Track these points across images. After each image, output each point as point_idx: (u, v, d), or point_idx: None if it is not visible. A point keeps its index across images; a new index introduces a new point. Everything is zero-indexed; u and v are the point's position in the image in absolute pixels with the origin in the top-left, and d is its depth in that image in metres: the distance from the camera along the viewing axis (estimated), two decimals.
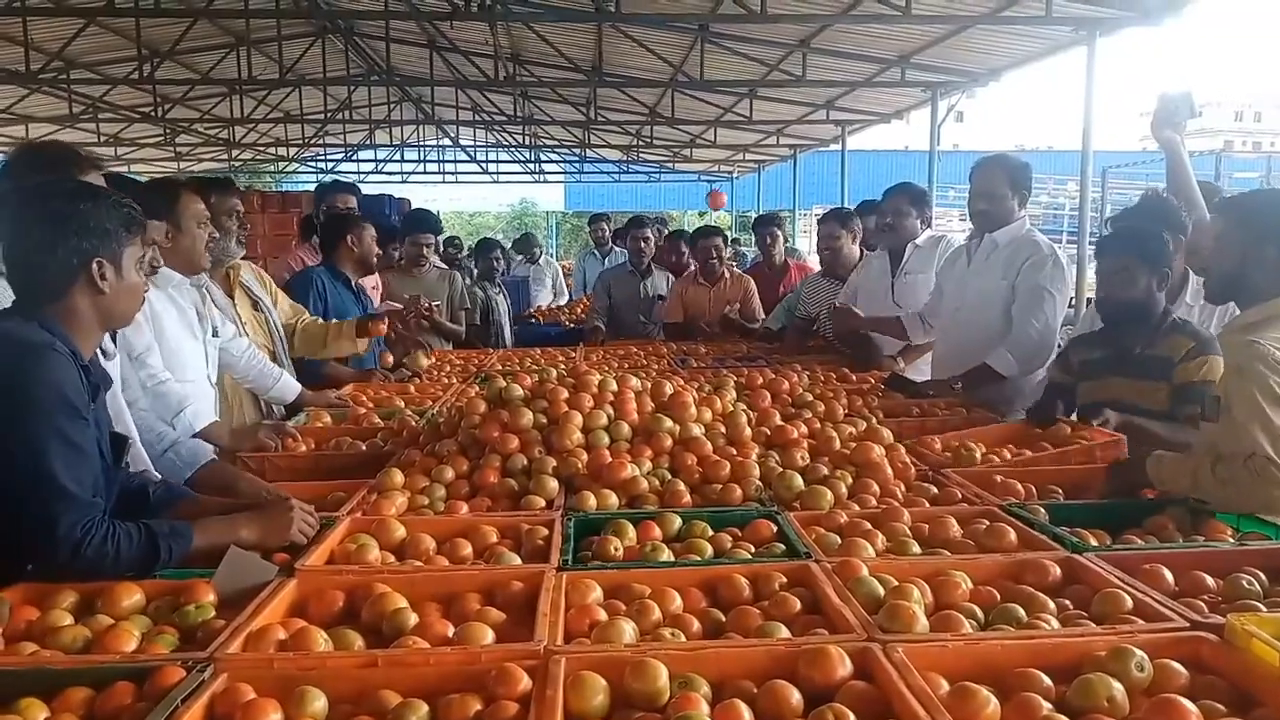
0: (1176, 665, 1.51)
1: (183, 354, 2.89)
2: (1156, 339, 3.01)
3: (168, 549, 1.91)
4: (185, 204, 3.05)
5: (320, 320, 4.17)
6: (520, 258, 10.97)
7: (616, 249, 9.40)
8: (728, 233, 10.26)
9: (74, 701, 1.46)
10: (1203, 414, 2.51)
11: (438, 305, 5.52)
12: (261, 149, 20.44)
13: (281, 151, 20.94)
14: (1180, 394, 2.89)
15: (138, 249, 2.02)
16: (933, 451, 2.82)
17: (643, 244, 6.54)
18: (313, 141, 19.52)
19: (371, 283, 5.27)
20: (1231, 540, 2.16)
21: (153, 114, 14.21)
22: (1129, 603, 1.74)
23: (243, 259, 3.82)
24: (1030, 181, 3.96)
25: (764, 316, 6.03)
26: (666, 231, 8.23)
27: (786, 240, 7.64)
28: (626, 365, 4.49)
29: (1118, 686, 1.43)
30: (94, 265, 1.91)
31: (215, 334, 3.21)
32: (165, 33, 11.04)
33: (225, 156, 20.48)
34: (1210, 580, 1.89)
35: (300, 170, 25.24)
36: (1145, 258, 2.97)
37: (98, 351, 2.05)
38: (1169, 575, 1.88)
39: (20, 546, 1.89)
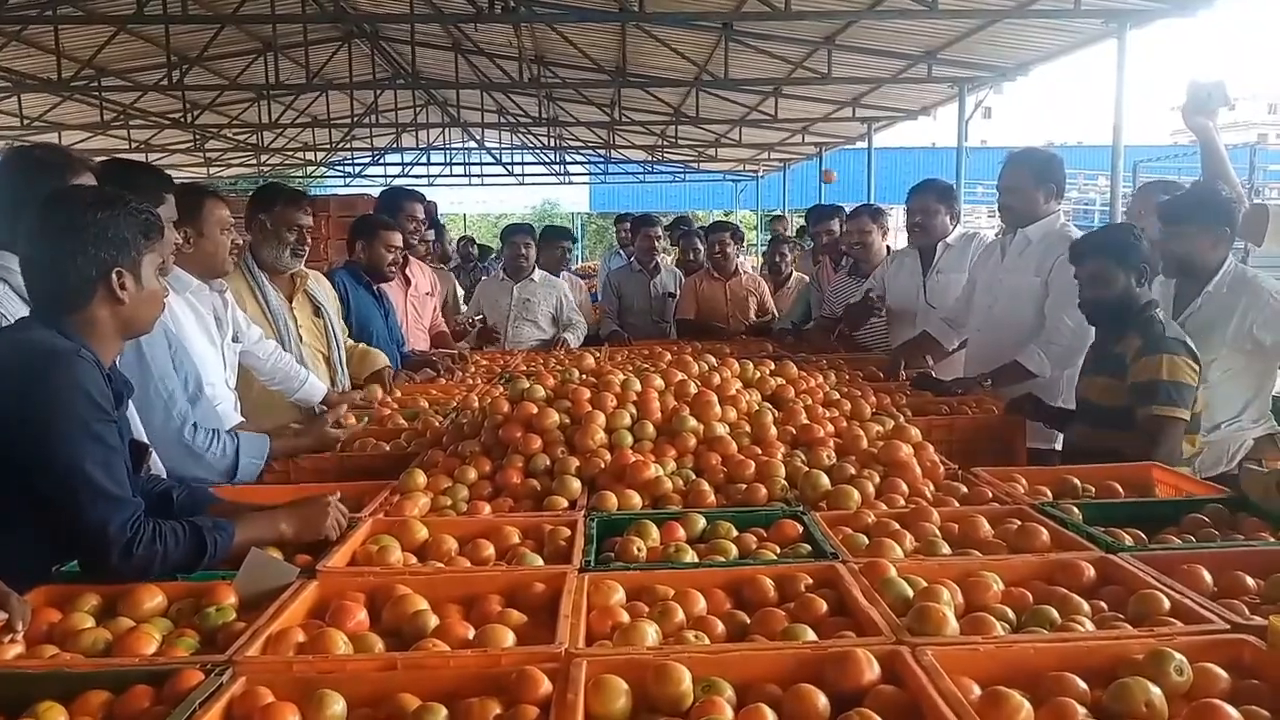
0: (1217, 669, 1.47)
1: (203, 359, 2.90)
2: (1120, 338, 3.03)
3: (213, 543, 1.92)
4: (209, 209, 3.06)
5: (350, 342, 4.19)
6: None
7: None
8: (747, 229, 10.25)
9: (93, 705, 1.45)
10: None
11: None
12: (290, 154, 20.62)
13: (309, 156, 21.12)
14: (1133, 392, 2.92)
15: (156, 256, 2.01)
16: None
17: (655, 242, 6.52)
18: (340, 146, 19.68)
19: (426, 287, 5.26)
20: (1272, 539, 2.10)
21: (182, 120, 14.37)
22: (1166, 604, 1.69)
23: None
24: (1060, 175, 3.88)
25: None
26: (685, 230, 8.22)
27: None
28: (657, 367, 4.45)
29: (1156, 691, 1.39)
30: (113, 276, 1.90)
31: (236, 339, 3.22)
32: (194, 39, 11.17)
33: (254, 162, 20.69)
34: (1250, 581, 1.84)
35: (328, 175, 25.43)
36: (1119, 259, 3.01)
37: (116, 360, 2.05)
38: (1208, 576, 1.83)
39: (48, 547, 1.90)
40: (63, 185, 2.13)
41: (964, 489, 2.49)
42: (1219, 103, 3.30)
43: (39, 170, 2.26)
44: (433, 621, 1.72)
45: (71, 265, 1.88)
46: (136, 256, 1.94)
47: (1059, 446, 3.45)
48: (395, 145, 21.81)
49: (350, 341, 4.17)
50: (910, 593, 1.76)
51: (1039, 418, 3.30)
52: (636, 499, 2.38)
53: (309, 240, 3.75)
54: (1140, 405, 2.87)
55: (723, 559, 2.04)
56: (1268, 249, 3.41)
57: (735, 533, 2.18)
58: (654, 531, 2.14)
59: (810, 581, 1.87)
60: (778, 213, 17.78)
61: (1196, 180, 3.72)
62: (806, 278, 6.59)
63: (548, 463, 2.57)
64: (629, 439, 2.62)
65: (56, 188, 2.06)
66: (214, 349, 3.01)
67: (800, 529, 2.17)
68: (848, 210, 5.96)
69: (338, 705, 1.44)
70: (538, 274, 5.87)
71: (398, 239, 4.58)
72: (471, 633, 1.68)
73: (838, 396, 3.16)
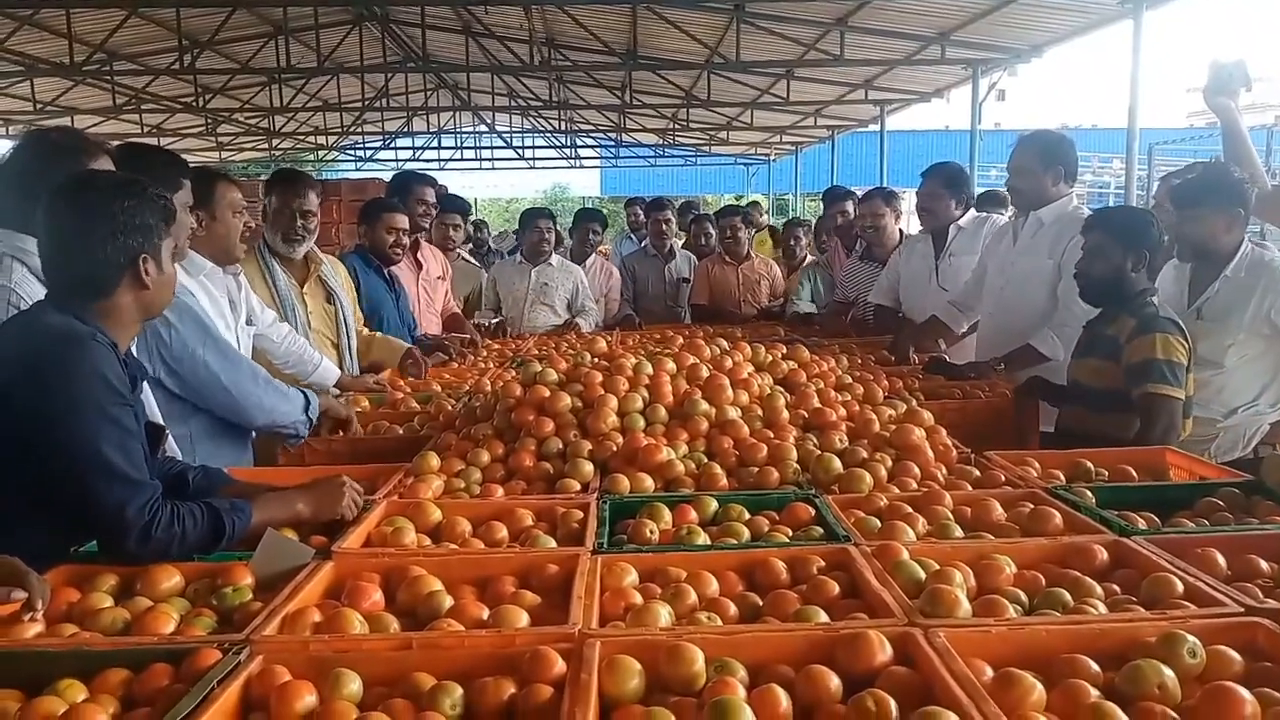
0: (1230, 652, 1.46)
1: None
2: (1114, 319, 3.02)
3: (231, 524, 1.92)
4: (221, 193, 3.06)
5: (366, 330, 4.20)
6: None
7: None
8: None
9: (112, 683, 1.47)
10: None
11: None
12: (301, 138, 20.63)
13: (321, 140, 21.12)
14: (1128, 373, 2.91)
15: (173, 240, 2.02)
16: None
17: (665, 226, 6.50)
18: (351, 130, 19.68)
19: (438, 270, 5.25)
20: None
21: (194, 104, 14.39)
22: (1180, 587, 1.69)
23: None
24: (1069, 157, 3.82)
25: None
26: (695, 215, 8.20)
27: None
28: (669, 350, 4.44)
29: (1169, 673, 1.39)
30: (140, 262, 1.91)
31: (250, 322, 3.24)
32: (205, 23, 11.18)
33: (266, 146, 20.71)
34: (1265, 564, 1.84)
35: (340, 159, 25.44)
36: (1121, 237, 3.00)
37: (132, 345, 2.06)
38: (1221, 559, 1.82)
39: (66, 530, 1.92)
40: (79, 169, 2.13)
41: (976, 472, 2.49)
42: (1240, 83, 3.27)
43: (55, 154, 2.26)
44: (447, 602, 1.73)
45: (102, 252, 1.87)
46: (158, 242, 1.95)
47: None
48: (406, 129, 21.79)
49: (365, 331, 4.18)
50: (922, 575, 1.76)
51: (1044, 397, 3.29)
52: (649, 482, 2.38)
53: (301, 222, 3.74)
54: (1136, 384, 2.87)
55: (735, 541, 2.04)
56: None
57: (747, 515, 2.18)
58: (666, 514, 2.14)
59: (822, 564, 1.87)
60: (753, 199, 17.55)
61: (1208, 162, 3.69)
62: (815, 260, 6.58)
63: (560, 446, 2.58)
64: (641, 422, 2.62)
65: (73, 172, 2.06)
66: (228, 332, 3.02)
67: (812, 512, 2.17)
68: (861, 194, 5.94)
69: (354, 684, 1.46)
70: (555, 259, 5.87)
71: (400, 220, 4.53)
72: (486, 613, 1.69)
73: (850, 380, 3.16)
